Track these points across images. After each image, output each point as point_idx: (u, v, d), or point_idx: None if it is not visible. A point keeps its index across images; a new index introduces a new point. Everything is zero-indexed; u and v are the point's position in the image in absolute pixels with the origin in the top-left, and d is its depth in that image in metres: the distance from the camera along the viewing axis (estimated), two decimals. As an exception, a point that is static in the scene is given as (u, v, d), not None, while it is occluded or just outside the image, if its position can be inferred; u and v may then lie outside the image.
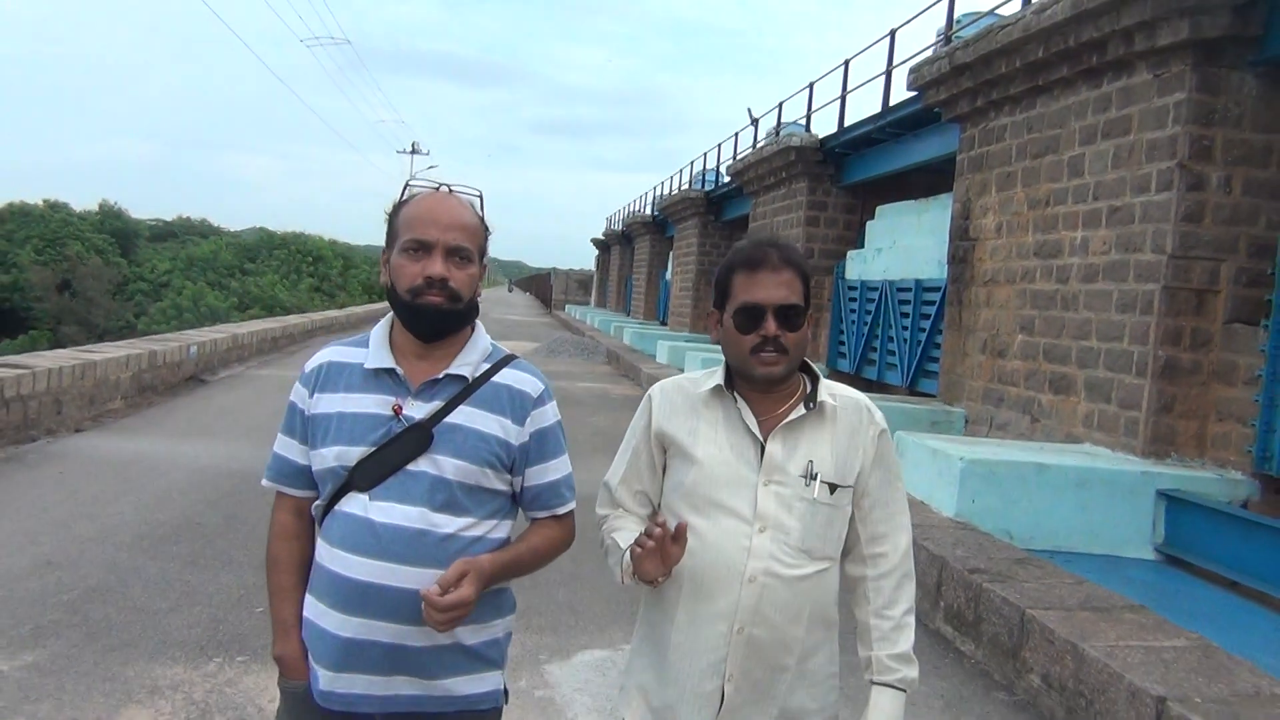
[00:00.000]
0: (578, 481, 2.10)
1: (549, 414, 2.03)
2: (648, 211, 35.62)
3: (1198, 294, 7.09)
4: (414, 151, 53.08)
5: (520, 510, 2.07)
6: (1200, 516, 6.56)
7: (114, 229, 63.17)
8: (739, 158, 20.39)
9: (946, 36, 11.45)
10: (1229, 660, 4.10)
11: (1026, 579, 5.17)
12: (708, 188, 26.15)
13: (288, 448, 2.01)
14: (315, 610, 1.92)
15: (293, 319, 24.19)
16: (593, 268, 59.87)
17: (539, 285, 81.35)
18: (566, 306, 54.61)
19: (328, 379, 1.97)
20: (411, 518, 1.87)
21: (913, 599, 2.05)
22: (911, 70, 10.98)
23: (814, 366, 2.04)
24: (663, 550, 1.80)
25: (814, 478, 1.92)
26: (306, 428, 1.97)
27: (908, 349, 12.25)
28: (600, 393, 16.04)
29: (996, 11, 10.72)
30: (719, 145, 25.43)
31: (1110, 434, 7.56)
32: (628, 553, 1.89)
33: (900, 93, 12.28)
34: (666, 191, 31.69)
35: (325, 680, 1.90)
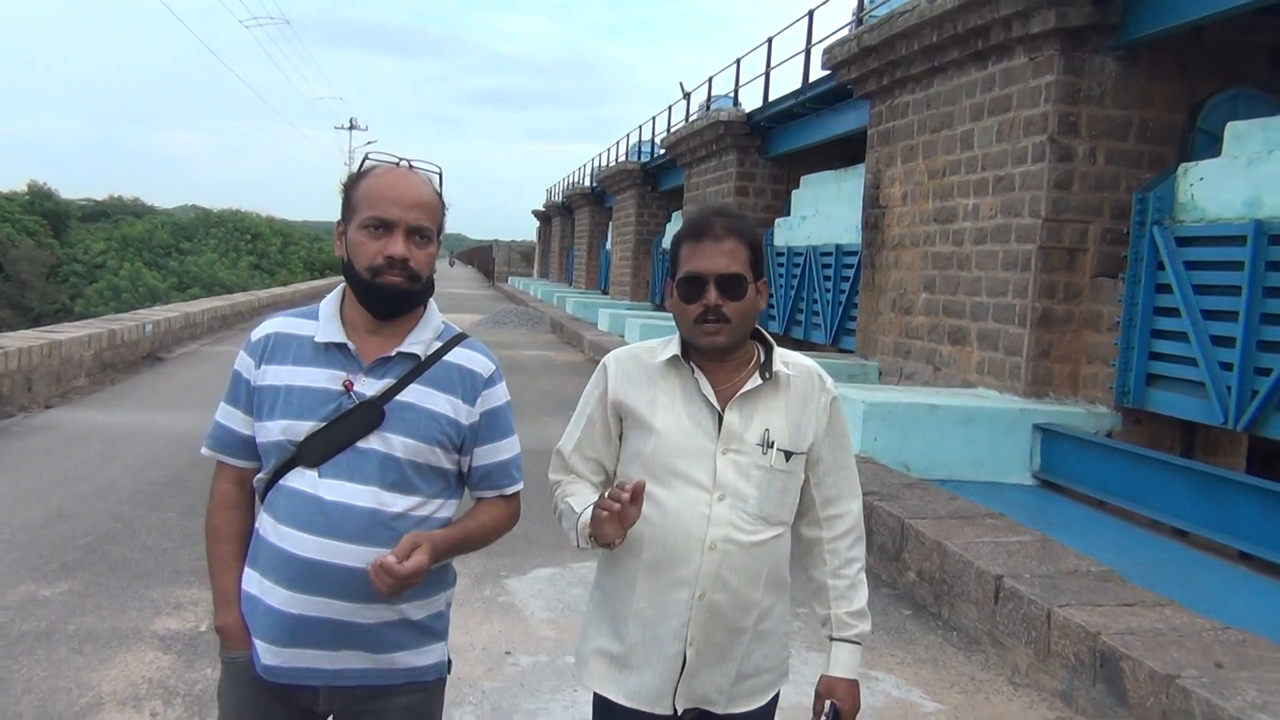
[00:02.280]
0: (526, 437, 2.13)
1: (499, 394, 2.02)
2: (586, 183, 36.11)
3: (1069, 252, 8.07)
4: (352, 127, 53.07)
5: (466, 490, 2.07)
6: (1071, 446, 7.57)
7: (44, 210, 62.01)
8: (672, 131, 21.10)
9: (858, 18, 12.29)
10: (1061, 549, 5.06)
11: (910, 498, 6.11)
12: (644, 159, 26.83)
13: (230, 417, 1.98)
14: (259, 586, 1.90)
15: (240, 297, 24.59)
16: (534, 239, 60.25)
17: (481, 258, 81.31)
18: (509, 278, 55.00)
19: (275, 350, 1.93)
20: (362, 496, 1.85)
21: (864, 557, 2.14)
22: (825, 51, 11.84)
23: (767, 335, 2.07)
24: (623, 512, 1.81)
25: (770, 446, 1.96)
26: (252, 398, 1.93)
27: (830, 309, 13.15)
28: (545, 360, 16.85)
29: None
30: (653, 118, 26.15)
31: (999, 378, 8.55)
32: (585, 514, 1.91)
33: (819, 70, 13.08)
34: (604, 163, 32.26)
35: (268, 654, 1.88)
